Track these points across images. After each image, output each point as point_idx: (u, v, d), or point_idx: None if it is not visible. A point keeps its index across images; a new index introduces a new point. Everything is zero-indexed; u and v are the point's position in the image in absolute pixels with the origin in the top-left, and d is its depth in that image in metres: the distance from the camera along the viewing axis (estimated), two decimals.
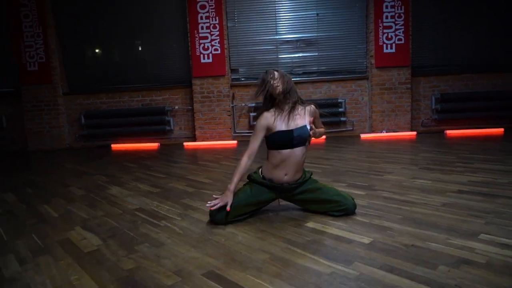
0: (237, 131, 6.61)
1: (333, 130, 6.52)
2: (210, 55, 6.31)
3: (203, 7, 6.19)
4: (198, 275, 1.57)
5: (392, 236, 1.88)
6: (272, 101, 2.30)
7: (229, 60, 6.50)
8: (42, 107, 6.58)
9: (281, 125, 2.25)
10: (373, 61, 6.30)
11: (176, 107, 6.62)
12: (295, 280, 1.49)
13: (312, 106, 2.36)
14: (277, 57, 6.57)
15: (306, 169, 2.39)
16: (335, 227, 2.05)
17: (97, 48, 6.81)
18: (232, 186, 2.19)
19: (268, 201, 2.32)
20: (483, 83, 6.41)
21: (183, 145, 6.28)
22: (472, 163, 3.57)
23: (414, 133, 6.22)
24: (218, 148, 5.95)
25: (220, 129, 6.48)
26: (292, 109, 2.27)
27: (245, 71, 6.65)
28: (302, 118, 2.27)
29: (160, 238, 2.02)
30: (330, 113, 6.37)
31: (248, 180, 2.36)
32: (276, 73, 2.28)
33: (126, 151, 6.03)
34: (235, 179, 2.21)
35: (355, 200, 2.29)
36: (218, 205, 2.14)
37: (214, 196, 2.27)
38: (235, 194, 2.24)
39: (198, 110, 6.46)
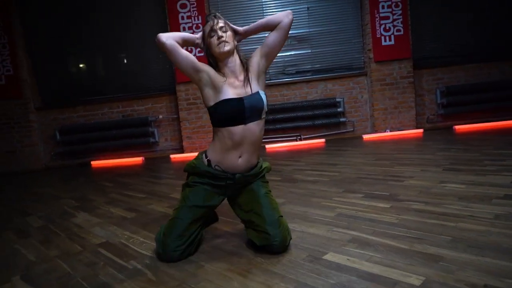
0: None
1: (332, 132, 6.00)
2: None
3: (183, 6, 5.68)
4: None
5: (449, 270, 1.34)
6: (215, 62, 1.76)
7: None
8: (12, 124, 5.96)
9: (227, 91, 1.67)
10: (371, 55, 5.81)
11: (161, 116, 6.06)
12: None
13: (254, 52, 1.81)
14: None
15: (263, 161, 1.86)
16: (365, 260, 1.50)
17: (70, 58, 6.23)
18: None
19: (216, 204, 1.78)
20: (490, 73, 5.95)
21: (170, 158, 5.70)
22: (503, 160, 3.06)
23: (421, 130, 5.72)
24: None
25: (210, 137, 5.91)
26: (243, 69, 1.73)
27: None
28: (253, 80, 1.72)
29: None
30: (328, 114, 5.89)
31: (187, 176, 1.81)
32: (220, 22, 1.72)
33: (107, 169, 5.44)
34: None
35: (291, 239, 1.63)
36: None
37: None
38: (176, 213, 1.71)
39: (185, 118, 5.89)
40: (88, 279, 1.60)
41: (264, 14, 5.94)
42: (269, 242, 1.60)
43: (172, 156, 5.77)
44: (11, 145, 5.98)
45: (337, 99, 5.91)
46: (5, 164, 5.96)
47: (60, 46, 6.11)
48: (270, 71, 6.08)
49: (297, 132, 5.97)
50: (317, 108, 5.91)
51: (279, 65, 6.07)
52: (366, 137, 5.72)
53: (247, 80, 1.70)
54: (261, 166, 1.82)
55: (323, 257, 1.56)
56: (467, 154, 3.48)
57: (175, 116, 6.01)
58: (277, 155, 4.90)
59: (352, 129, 6.04)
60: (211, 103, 1.69)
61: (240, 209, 1.76)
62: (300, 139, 5.90)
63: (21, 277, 1.69)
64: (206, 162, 1.73)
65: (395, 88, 5.85)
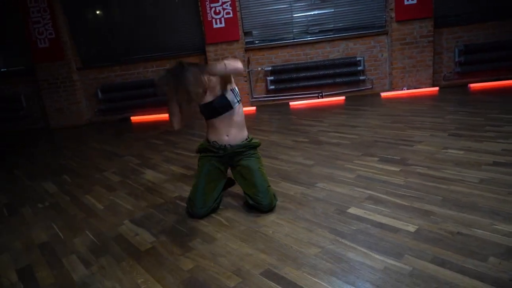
0: (254, 97, 6.56)
1: (352, 89, 6.41)
2: (222, 19, 6.09)
3: None
4: (257, 274, 1.67)
5: (436, 222, 1.94)
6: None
7: (242, 23, 6.28)
8: (58, 84, 6.57)
9: (206, 97, 2.26)
10: (393, 14, 6.00)
11: None
12: (351, 278, 1.57)
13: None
14: (292, 16, 6.31)
15: (255, 139, 2.44)
16: (377, 213, 2.10)
17: (105, 20, 6.62)
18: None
19: (223, 170, 2.39)
20: (510, 31, 6.10)
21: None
22: (503, 126, 3.52)
23: (436, 88, 6.08)
24: None
25: None
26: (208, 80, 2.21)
27: (259, 33, 6.44)
28: (213, 90, 2.24)
29: (210, 232, 2.11)
30: (349, 73, 6.26)
31: (199, 155, 2.46)
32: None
33: (147, 124, 6.08)
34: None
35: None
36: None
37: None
38: (195, 180, 2.35)
39: None
40: (180, 223, 2.27)
41: None
42: (259, 204, 2.23)
43: None
44: (59, 103, 6.64)
45: (358, 58, 6.23)
46: (56, 120, 6.68)
47: (95, 8, 6.49)
48: (294, 30, 6.37)
49: (318, 89, 6.40)
50: (338, 66, 6.27)
51: (303, 24, 6.34)
52: (384, 94, 6.13)
53: (208, 91, 2.23)
54: (250, 140, 2.38)
55: (347, 211, 2.18)
56: (472, 118, 3.94)
57: None
58: (300, 113, 5.41)
59: (370, 87, 6.43)
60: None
61: (241, 177, 2.35)
62: (322, 97, 6.35)
63: (130, 221, 2.39)
64: (206, 142, 2.41)
65: (414, 47, 6.10)
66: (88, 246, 2.13)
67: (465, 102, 4.89)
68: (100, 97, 6.63)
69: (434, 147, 3.15)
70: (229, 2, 6.01)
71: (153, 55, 6.58)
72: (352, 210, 2.18)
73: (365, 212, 2.13)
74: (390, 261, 1.64)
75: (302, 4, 6.25)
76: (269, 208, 2.25)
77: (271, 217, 2.20)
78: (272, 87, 6.36)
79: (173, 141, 4.54)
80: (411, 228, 1.90)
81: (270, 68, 6.31)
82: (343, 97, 6.23)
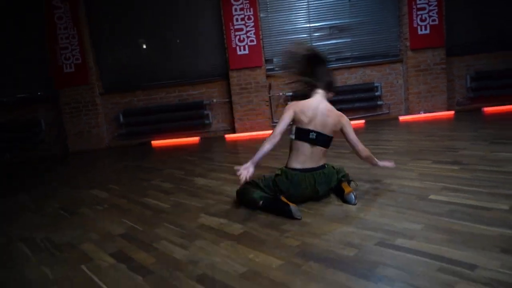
0: (275, 121, 6.68)
1: (370, 114, 6.61)
2: (246, 46, 6.35)
3: None
4: (370, 245, 1.66)
5: None
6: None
7: (264, 50, 6.55)
8: (80, 108, 6.62)
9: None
10: (407, 43, 6.36)
11: (214, 100, 6.68)
12: (471, 244, 1.58)
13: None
14: (311, 45, 6.61)
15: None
16: (463, 198, 2.14)
17: (130, 45, 6.82)
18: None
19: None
20: None
21: (224, 138, 6.35)
22: None
23: (452, 112, 6.31)
24: (260, 138, 6.01)
25: (260, 119, 6.55)
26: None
27: (279, 61, 6.70)
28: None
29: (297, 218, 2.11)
30: (366, 98, 6.48)
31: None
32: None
33: (169, 147, 6.10)
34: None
35: None
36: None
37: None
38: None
39: (237, 102, 6.52)
40: (259, 214, 2.25)
41: (309, 2, 6.47)
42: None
43: (226, 136, 6.42)
44: (79, 128, 6.64)
45: (375, 84, 6.49)
46: (74, 144, 6.65)
47: (121, 36, 6.72)
48: None
49: None
50: (356, 92, 6.51)
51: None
52: (402, 118, 6.32)
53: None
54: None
55: (428, 197, 2.21)
56: (506, 131, 4.08)
57: (227, 100, 6.64)
58: None
59: (388, 111, 6.64)
60: None
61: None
62: None
63: (207, 214, 2.36)
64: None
65: (428, 73, 6.41)
66: (174, 234, 2.09)
67: (489, 121, 5.07)
68: (122, 121, 6.67)
69: (481, 152, 3.25)
70: (253, 31, 6.31)
71: (175, 81, 6.74)
72: (434, 197, 2.21)
73: (448, 198, 2.16)
74: (503, 230, 1.67)
75: (321, 33, 6.59)
76: None
77: (355, 207, 2.21)
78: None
79: (209, 157, 4.56)
80: (505, 206, 1.93)
81: (290, 94, 6.51)
82: (362, 121, 6.40)
